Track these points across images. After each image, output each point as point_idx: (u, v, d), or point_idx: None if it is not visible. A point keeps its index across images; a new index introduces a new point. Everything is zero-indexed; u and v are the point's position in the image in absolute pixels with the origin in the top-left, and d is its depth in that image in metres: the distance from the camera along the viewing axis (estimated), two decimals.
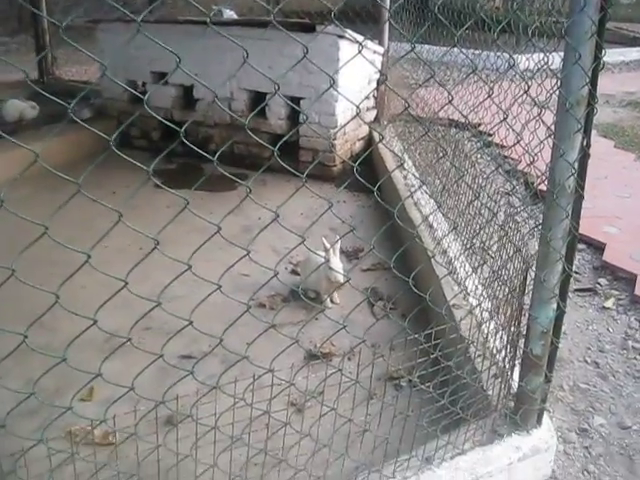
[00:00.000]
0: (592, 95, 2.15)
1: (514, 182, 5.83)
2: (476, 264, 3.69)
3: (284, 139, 2.03)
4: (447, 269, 3.88)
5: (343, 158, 6.45)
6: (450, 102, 2.28)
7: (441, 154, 4.75)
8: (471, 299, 3.57)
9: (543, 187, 2.39)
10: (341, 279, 4.07)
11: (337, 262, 4.13)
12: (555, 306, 2.42)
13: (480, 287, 3.53)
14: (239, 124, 6.69)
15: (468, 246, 3.94)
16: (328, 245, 4.12)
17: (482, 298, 3.40)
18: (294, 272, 4.63)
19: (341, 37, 5.88)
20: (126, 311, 4.10)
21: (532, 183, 2.63)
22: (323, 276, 4.13)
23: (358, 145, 6.78)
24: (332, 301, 4.28)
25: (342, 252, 4.92)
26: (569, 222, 2.27)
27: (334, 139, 6.25)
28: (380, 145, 6.39)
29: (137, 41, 6.87)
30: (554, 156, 2.19)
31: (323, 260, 4.14)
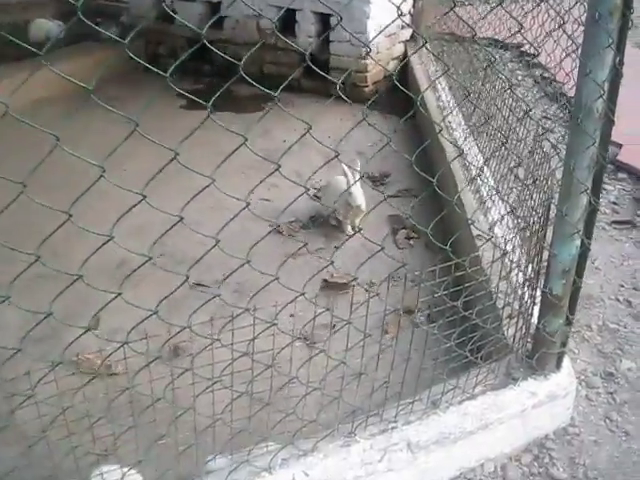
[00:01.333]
0: (627, 4, 1.87)
1: (554, 105, 5.54)
2: (505, 191, 3.46)
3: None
4: (475, 199, 3.66)
5: (375, 79, 6.16)
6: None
7: (478, 73, 4.46)
8: (497, 230, 3.35)
9: None
10: (360, 203, 3.87)
11: (357, 187, 3.91)
12: (578, 243, 2.19)
13: (507, 217, 3.30)
14: (268, 43, 6.42)
15: (498, 172, 3.69)
16: (347, 170, 3.90)
17: (507, 229, 3.18)
18: (315, 197, 4.43)
19: None
20: (140, 237, 4.00)
21: None
22: (343, 201, 3.93)
23: (392, 65, 6.45)
24: (353, 228, 4.09)
25: (368, 177, 4.70)
26: (596, 149, 2.02)
27: (366, 59, 5.94)
28: (414, 65, 6.08)
29: None
30: (580, 75, 1.93)
31: (343, 184, 3.94)
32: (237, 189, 4.00)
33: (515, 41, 4.52)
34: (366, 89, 6.05)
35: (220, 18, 6.69)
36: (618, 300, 3.42)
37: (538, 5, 3.07)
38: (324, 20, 6.07)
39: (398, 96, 6.13)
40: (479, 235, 3.32)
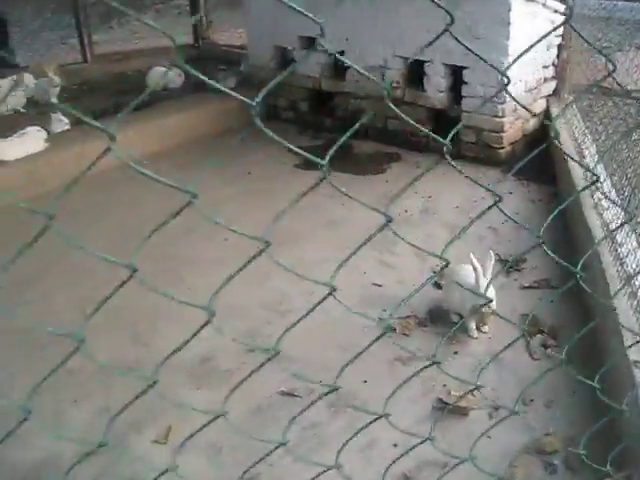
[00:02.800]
0: None
1: None
2: None
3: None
4: (632, 307, 2.91)
5: (512, 139, 5.45)
6: None
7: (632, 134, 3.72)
8: None
9: None
10: (491, 306, 3.21)
11: (487, 284, 3.24)
12: None
13: None
14: (394, 96, 5.85)
15: None
16: (477, 264, 3.25)
17: None
18: (437, 285, 3.78)
19: None
20: (231, 324, 3.50)
21: None
22: (469, 299, 3.27)
23: (532, 123, 5.73)
24: (480, 330, 3.41)
25: (500, 260, 4.01)
26: None
27: (502, 116, 5.26)
28: (558, 124, 5.35)
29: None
30: None
31: (471, 278, 3.28)
32: (347, 267, 3.48)
33: None
34: (501, 151, 5.36)
35: (343, 69, 6.20)
36: None
37: None
38: (456, 73, 5.44)
39: (538, 159, 5.42)
40: (637, 362, 2.59)
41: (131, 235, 4.60)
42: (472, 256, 3.25)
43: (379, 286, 3.84)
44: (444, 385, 3.06)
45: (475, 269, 3.23)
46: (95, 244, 4.39)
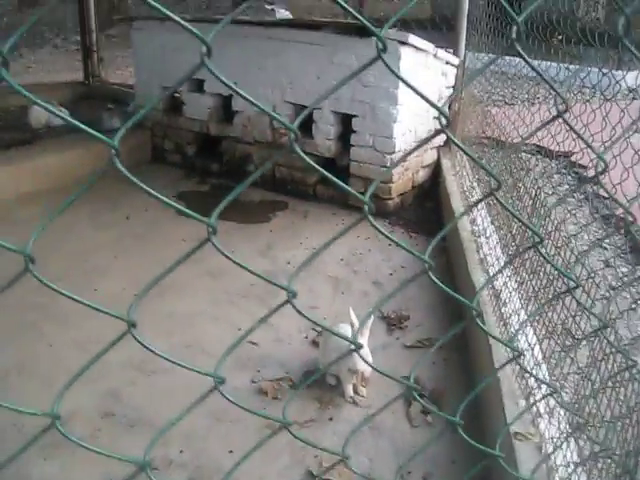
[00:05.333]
0: None
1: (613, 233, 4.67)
2: (563, 369, 2.56)
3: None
4: (520, 385, 2.75)
5: (401, 190, 5.33)
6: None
7: (522, 193, 3.61)
8: (544, 425, 2.44)
9: None
10: (364, 369, 2.99)
11: (364, 345, 3.02)
12: None
13: (562, 411, 2.41)
14: (281, 143, 5.67)
15: (549, 335, 2.80)
16: (355, 321, 3.03)
17: (563, 434, 2.28)
18: (315, 343, 3.55)
19: (403, 43, 4.77)
20: (89, 386, 3.16)
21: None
22: (345, 361, 3.05)
23: (422, 174, 5.63)
24: (357, 394, 3.18)
25: (383, 318, 3.82)
26: None
27: (390, 166, 5.13)
28: (447, 175, 5.27)
29: (173, 43, 5.99)
30: None
31: (346, 339, 3.05)
32: (222, 323, 3.44)
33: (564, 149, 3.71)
34: (390, 202, 5.20)
35: (231, 113, 5.98)
36: None
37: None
38: (345, 121, 5.30)
39: (427, 211, 5.31)
40: (518, 434, 2.41)
41: (2, 280, 4.22)
42: (351, 311, 3.04)
43: (254, 344, 3.57)
44: (315, 456, 2.81)
45: (352, 325, 3.02)
46: None
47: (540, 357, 2.72)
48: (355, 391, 3.17)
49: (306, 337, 3.65)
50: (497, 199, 1.11)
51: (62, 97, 8.06)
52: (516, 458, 2.31)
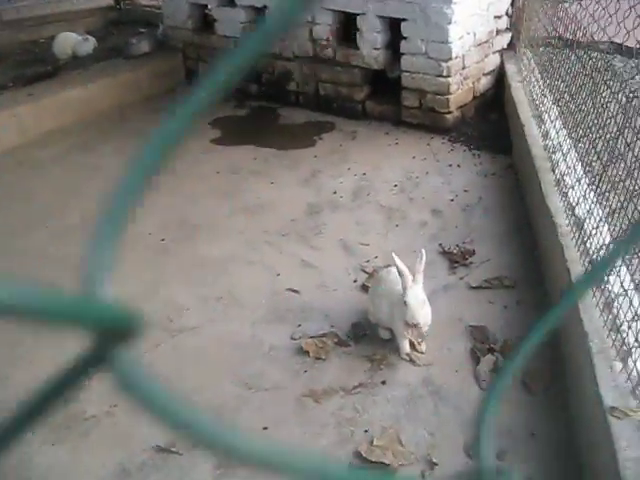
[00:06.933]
0: None
1: None
2: None
3: None
4: (605, 326, 2.19)
5: (461, 102, 4.69)
6: None
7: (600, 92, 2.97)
8: None
9: None
10: (419, 321, 2.47)
11: (418, 293, 2.49)
12: None
13: None
14: (324, 56, 5.06)
15: None
16: (403, 267, 2.50)
17: None
18: (365, 288, 3.04)
19: None
20: None
21: None
22: (397, 313, 2.54)
23: (484, 82, 4.96)
24: (415, 350, 2.67)
25: (444, 253, 3.28)
26: None
27: (447, 75, 4.49)
28: (513, 83, 4.60)
29: None
30: None
31: (398, 288, 2.54)
32: (259, 268, 2.98)
33: None
34: (448, 116, 4.58)
35: None
36: None
37: None
38: (393, 27, 4.64)
39: (491, 124, 4.66)
40: (615, 409, 1.88)
41: (25, 227, 3.85)
42: (395, 257, 2.50)
43: (295, 292, 3.09)
44: (365, 431, 2.34)
45: (401, 274, 2.49)
46: None
47: (638, 303, 2.17)
48: (412, 346, 2.66)
49: (355, 281, 3.15)
50: None
51: (92, 24, 7.58)
52: (613, 441, 1.79)
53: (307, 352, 2.69)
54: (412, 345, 2.66)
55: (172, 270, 3.33)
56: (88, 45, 6.38)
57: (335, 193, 3.94)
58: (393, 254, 2.51)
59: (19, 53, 6.97)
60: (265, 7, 5.23)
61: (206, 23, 5.90)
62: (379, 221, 3.63)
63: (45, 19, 8.06)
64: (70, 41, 6.40)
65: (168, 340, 2.84)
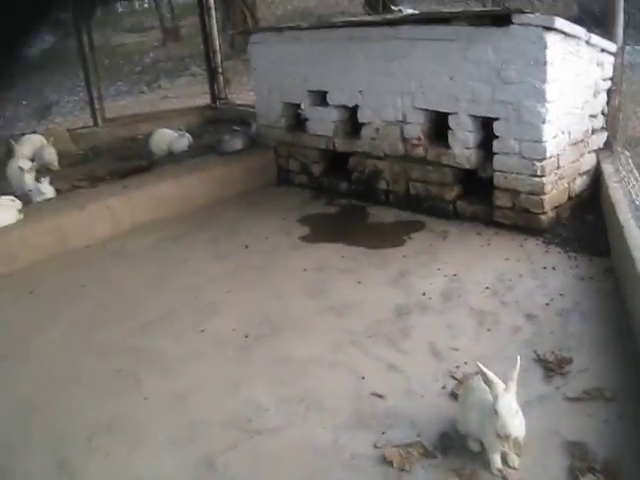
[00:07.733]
0: None
1: None
2: None
3: None
4: None
5: (556, 202, 4.55)
6: None
7: None
8: None
9: None
10: (511, 433, 2.30)
11: (511, 402, 2.33)
12: None
13: None
14: (414, 155, 5.04)
15: None
16: (491, 374, 2.35)
17: None
18: (455, 396, 2.89)
19: (549, 29, 4.03)
20: (189, 448, 2.71)
21: None
22: (488, 423, 2.38)
23: (580, 182, 4.81)
24: (507, 464, 2.48)
25: (539, 360, 3.10)
26: None
27: (542, 175, 4.38)
28: (610, 182, 4.45)
29: (290, 55, 5.55)
30: None
31: (489, 397, 2.39)
32: (343, 370, 2.87)
33: None
34: (543, 216, 4.44)
35: (357, 127, 5.42)
36: None
37: None
38: (485, 126, 4.60)
39: (588, 226, 4.49)
40: None
41: (109, 318, 3.90)
42: (480, 365, 2.36)
43: (380, 397, 2.96)
44: None
45: (489, 382, 2.34)
46: (70, 327, 3.86)
47: None
48: (504, 461, 2.48)
49: (443, 387, 2.99)
50: None
51: (191, 122, 7.88)
52: None
53: (390, 462, 2.54)
54: (504, 460, 2.48)
55: (254, 368, 3.26)
56: (183, 141, 6.61)
57: (424, 294, 3.83)
58: (478, 363, 2.37)
59: (118, 148, 7.31)
60: (357, 106, 5.29)
61: (298, 122, 6.02)
62: (470, 325, 3.49)
63: (145, 117, 8.45)
64: (166, 137, 6.65)
65: (245, 441, 2.75)
